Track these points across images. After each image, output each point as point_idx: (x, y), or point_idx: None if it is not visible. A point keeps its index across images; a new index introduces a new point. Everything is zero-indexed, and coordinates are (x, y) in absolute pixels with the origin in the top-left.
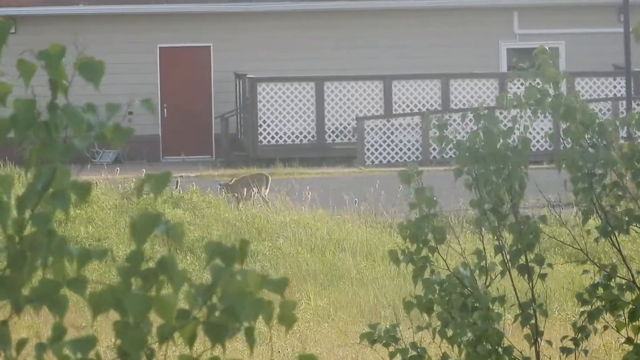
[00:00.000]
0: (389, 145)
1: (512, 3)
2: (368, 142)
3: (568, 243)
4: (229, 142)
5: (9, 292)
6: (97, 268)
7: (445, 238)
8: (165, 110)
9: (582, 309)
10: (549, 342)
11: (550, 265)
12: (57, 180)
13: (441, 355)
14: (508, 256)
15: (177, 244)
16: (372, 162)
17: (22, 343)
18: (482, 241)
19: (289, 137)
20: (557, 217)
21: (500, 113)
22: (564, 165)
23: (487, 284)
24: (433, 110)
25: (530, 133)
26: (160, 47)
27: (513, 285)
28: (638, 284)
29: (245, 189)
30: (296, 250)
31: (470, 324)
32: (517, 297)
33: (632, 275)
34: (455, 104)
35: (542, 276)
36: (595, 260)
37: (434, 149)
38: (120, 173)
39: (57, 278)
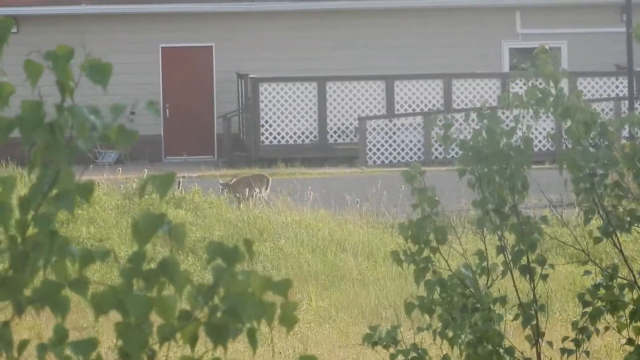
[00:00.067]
0: (391, 146)
1: (514, 3)
2: (370, 142)
3: (569, 244)
4: (231, 142)
5: (10, 292)
6: (99, 269)
7: (447, 238)
8: (167, 110)
9: (583, 310)
10: (550, 343)
11: (552, 265)
12: (61, 182)
13: (442, 356)
14: (510, 257)
15: (179, 244)
16: (374, 162)
17: (23, 344)
18: (484, 242)
19: (291, 137)
20: (559, 217)
21: (503, 113)
22: (565, 166)
23: (489, 284)
24: (435, 110)
25: (532, 133)
26: (162, 47)
27: (515, 286)
28: (639, 285)
29: (247, 189)
30: (298, 251)
31: (471, 324)
32: (519, 298)
33: (634, 276)
34: (458, 104)
35: (544, 277)
36: (597, 261)
37: (436, 149)
38: (122, 173)
39: (59, 279)
